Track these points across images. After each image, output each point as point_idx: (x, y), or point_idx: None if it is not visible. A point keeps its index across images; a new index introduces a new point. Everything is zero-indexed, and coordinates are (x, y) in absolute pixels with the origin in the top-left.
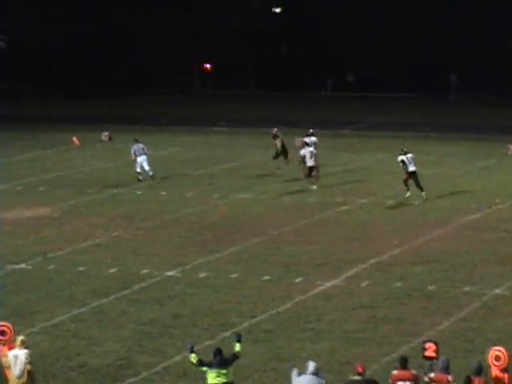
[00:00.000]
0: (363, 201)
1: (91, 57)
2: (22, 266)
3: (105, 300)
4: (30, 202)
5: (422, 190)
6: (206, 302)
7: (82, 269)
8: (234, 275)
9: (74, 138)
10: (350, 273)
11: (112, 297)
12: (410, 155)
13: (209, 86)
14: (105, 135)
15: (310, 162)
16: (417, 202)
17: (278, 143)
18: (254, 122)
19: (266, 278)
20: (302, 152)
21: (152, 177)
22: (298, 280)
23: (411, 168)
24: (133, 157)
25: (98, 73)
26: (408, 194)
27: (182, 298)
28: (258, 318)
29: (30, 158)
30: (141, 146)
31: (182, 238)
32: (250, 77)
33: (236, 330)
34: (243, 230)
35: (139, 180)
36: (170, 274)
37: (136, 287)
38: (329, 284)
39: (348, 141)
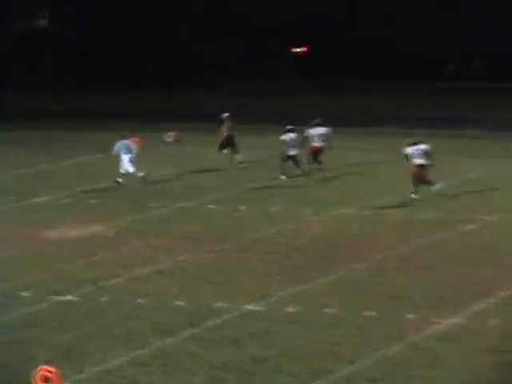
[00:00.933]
0: (491, 218)
1: (148, 41)
2: (69, 297)
3: (169, 340)
4: (79, 218)
5: (432, 184)
6: (296, 343)
7: (141, 301)
8: (329, 310)
9: (136, 139)
10: (475, 308)
11: (178, 336)
12: (421, 147)
13: (302, 75)
14: (169, 135)
15: (292, 151)
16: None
17: (225, 131)
18: (358, 120)
19: (370, 313)
20: (283, 138)
21: (142, 178)
22: (409, 316)
23: (418, 161)
24: (114, 151)
25: (158, 59)
26: (414, 195)
27: (265, 338)
28: (359, 363)
29: (79, 163)
30: (126, 143)
31: (266, 264)
32: (353, 64)
33: (332, 377)
34: (341, 254)
35: (118, 183)
36: (249, 307)
37: (208, 324)
38: (448, 322)
39: (470, 143)
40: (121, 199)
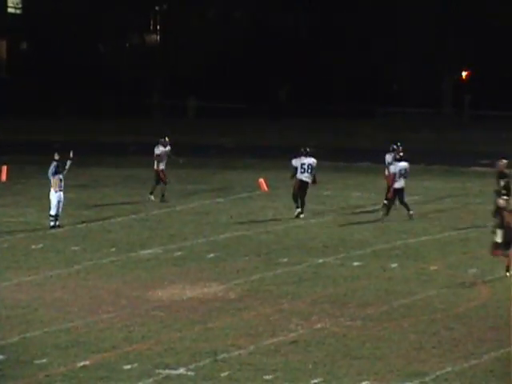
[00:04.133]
0: None
1: (294, 60)
2: (181, 371)
3: None
4: (194, 276)
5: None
6: None
7: (268, 377)
8: None
9: (261, 180)
10: None
11: None
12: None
13: (465, 105)
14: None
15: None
16: None
17: None
18: None
19: None
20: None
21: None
22: None
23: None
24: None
25: (304, 81)
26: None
27: None
28: None
29: (196, 208)
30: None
31: (421, 335)
32: None
33: None
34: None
35: (53, 226)
36: None
37: None
38: None
39: None
40: (245, 253)
